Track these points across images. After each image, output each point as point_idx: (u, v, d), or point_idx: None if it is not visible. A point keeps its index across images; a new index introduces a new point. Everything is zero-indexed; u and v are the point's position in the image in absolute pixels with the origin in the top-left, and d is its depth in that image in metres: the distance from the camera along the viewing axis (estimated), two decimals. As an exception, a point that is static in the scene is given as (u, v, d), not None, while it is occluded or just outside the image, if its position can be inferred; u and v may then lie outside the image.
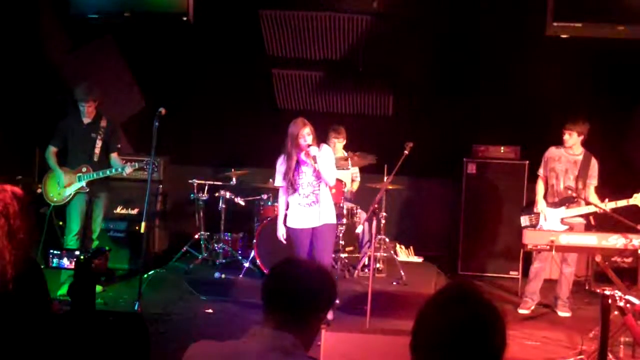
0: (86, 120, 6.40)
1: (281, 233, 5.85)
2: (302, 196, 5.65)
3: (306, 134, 5.54)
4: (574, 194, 5.92)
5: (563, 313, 6.27)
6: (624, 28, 6.08)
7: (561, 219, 6.13)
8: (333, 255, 6.28)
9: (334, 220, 5.69)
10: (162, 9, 6.63)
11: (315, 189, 5.63)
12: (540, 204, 6.28)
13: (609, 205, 5.87)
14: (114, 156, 6.53)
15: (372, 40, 7.67)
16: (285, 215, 5.81)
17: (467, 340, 1.68)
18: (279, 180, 5.80)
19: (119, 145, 6.71)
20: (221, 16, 7.48)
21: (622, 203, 5.90)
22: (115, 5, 6.73)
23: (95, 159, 6.43)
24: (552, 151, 6.37)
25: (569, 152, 6.24)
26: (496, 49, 7.30)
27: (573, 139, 6.18)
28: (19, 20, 7.16)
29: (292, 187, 5.66)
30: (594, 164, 6.18)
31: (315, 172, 5.57)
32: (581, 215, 6.13)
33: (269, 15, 7.72)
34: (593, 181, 6.15)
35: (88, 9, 6.77)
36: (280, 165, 5.75)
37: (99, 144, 6.43)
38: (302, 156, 5.57)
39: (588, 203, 5.95)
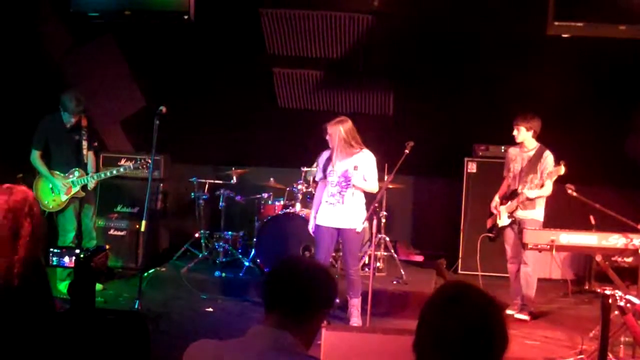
0: (69, 123, 6.26)
1: (310, 226, 5.88)
2: (329, 194, 5.66)
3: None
4: (573, 192, 5.84)
5: (520, 315, 6.10)
6: (625, 28, 6.08)
7: (508, 213, 6.09)
8: (333, 254, 6.28)
9: (355, 226, 5.59)
10: (163, 7, 6.63)
11: (342, 189, 5.62)
12: (493, 203, 6.26)
13: (530, 193, 5.88)
14: (90, 155, 6.44)
15: (372, 39, 7.67)
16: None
17: (469, 339, 1.69)
18: (318, 174, 5.88)
19: (96, 144, 6.65)
20: (222, 14, 7.48)
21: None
22: (115, 4, 6.72)
23: (85, 160, 6.38)
24: (511, 151, 6.33)
25: (524, 149, 6.15)
26: (497, 48, 7.30)
27: (522, 135, 6.06)
28: (18, 18, 7.16)
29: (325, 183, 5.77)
30: (546, 157, 5.98)
31: (344, 173, 5.57)
32: (532, 211, 6.01)
33: (270, 14, 7.72)
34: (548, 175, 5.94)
35: (88, 7, 6.77)
36: (321, 159, 5.82)
37: (84, 144, 6.35)
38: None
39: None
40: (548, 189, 5.96)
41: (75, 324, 3.22)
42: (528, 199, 5.96)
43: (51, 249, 3.70)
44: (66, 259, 3.69)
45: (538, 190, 5.93)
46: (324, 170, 5.72)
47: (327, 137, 5.65)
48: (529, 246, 5.26)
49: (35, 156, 6.27)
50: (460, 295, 1.78)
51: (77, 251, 3.68)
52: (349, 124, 5.59)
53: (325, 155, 5.78)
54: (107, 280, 6.66)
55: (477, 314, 1.72)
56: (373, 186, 5.63)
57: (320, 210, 5.76)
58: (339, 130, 5.54)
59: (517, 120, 6.08)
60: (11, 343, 2.77)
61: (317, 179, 5.96)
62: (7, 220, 2.80)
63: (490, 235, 6.28)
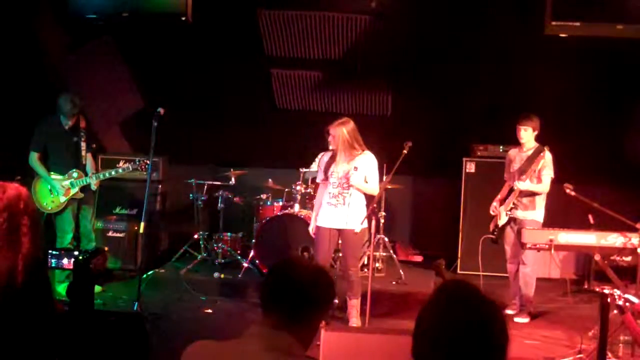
0: (67, 125, 6.27)
1: (310, 227, 5.85)
2: (330, 195, 5.65)
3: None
4: (571, 191, 5.84)
5: (519, 319, 6.10)
6: (623, 27, 6.09)
7: (506, 210, 6.10)
8: (333, 255, 6.28)
9: (355, 227, 5.57)
10: (161, 9, 6.63)
11: (343, 190, 5.60)
12: (493, 204, 6.27)
13: (521, 185, 5.90)
14: (88, 156, 6.45)
15: (370, 39, 7.67)
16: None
17: (470, 340, 1.68)
18: (319, 176, 5.85)
19: (94, 145, 6.64)
20: (220, 16, 7.48)
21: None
22: (113, 5, 6.73)
23: (84, 162, 6.38)
24: (510, 153, 6.36)
25: (523, 149, 6.17)
26: (496, 48, 7.31)
27: (529, 135, 6.07)
28: (17, 20, 7.15)
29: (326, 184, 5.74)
30: (544, 155, 5.95)
31: (346, 174, 5.56)
32: (530, 211, 6.03)
33: (268, 15, 7.72)
34: (545, 172, 5.96)
35: (87, 9, 6.77)
36: (322, 161, 5.80)
37: (83, 146, 6.35)
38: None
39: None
40: (544, 185, 5.98)
41: (74, 325, 3.22)
42: (522, 193, 5.97)
43: (50, 251, 3.70)
44: (65, 261, 3.69)
45: (530, 183, 5.95)
46: (325, 171, 5.71)
47: (330, 139, 5.64)
48: (528, 245, 5.26)
49: (34, 158, 6.27)
50: (459, 295, 1.77)
51: (76, 253, 3.68)
52: (351, 125, 5.58)
53: (325, 156, 5.77)
54: (106, 281, 6.65)
55: (475, 313, 1.71)
56: (373, 188, 5.62)
57: (321, 211, 5.75)
58: (341, 131, 5.53)
59: (522, 121, 6.07)
60: (12, 344, 2.77)
61: (318, 180, 5.95)
62: (2, 218, 2.78)
63: (492, 236, 6.29)
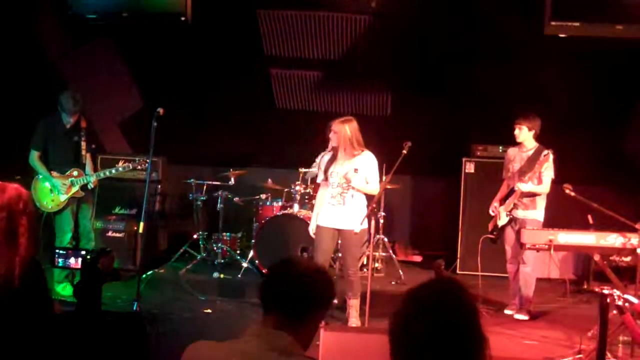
0: (68, 124, 6.27)
1: (310, 228, 5.83)
2: (330, 195, 5.65)
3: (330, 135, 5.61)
4: (571, 192, 5.84)
5: (519, 315, 6.13)
6: (622, 27, 6.09)
7: (507, 211, 6.09)
8: (332, 256, 6.28)
9: (354, 227, 5.54)
10: (160, 9, 6.65)
11: (343, 190, 5.59)
12: (493, 204, 6.26)
13: (523, 187, 5.88)
14: (87, 157, 6.43)
15: (370, 39, 7.67)
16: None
17: (447, 337, 1.67)
18: (320, 176, 5.83)
19: (94, 146, 6.65)
20: (219, 16, 7.48)
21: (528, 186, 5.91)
22: (113, 5, 6.74)
23: (83, 161, 6.38)
24: (510, 152, 6.34)
25: (523, 149, 6.16)
26: (496, 48, 7.31)
27: (523, 134, 6.06)
28: (17, 20, 7.16)
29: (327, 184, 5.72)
30: (545, 156, 5.89)
31: (346, 174, 5.55)
32: (531, 210, 6.02)
33: (267, 15, 7.72)
34: (546, 173, 5.94)
35: (86, 9, 6.79)
36: (322, 161, 5.78)
37: (83, 145, 6.35)
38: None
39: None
40: (544, 186, 5.97)
41: (79, 326, 3.21)
42: (523, 193, 5.97)
43: (57, 250, 3.67)
44: (72, 260, 3.66)
45: (532, 185, 5.94)
46: (325, 172, 5.70)
47: (331, 135, 5.62)
48: (527, 246, 5.25)
49: (34, 157, 6.27)
50: (438, 294, 1.77)
51: (83, 252, 3.65)
52: (354, 124, 5.58)
53: (326, 157, 5.76)
54: (112, 281, 6.64)
55: (454, 311, 1.71)
56: (374, 188, 5.61)
57: (321, 211, 5.74)
58: (344, 129, 5.52)
59: (519, 119, 6.08)
60: (10, 344, 2.77)
61: (318, 180, 5.95)
62: (1, 218, 2.77)
63: (491, 236, 6.28)
